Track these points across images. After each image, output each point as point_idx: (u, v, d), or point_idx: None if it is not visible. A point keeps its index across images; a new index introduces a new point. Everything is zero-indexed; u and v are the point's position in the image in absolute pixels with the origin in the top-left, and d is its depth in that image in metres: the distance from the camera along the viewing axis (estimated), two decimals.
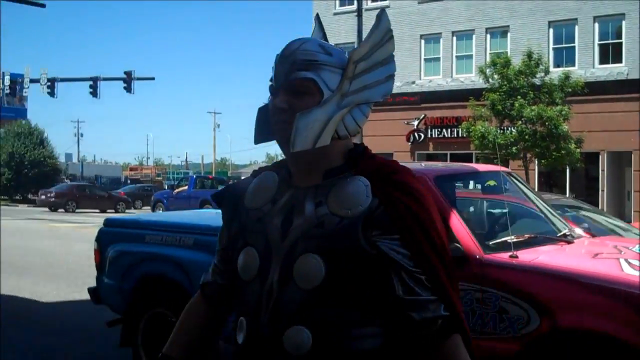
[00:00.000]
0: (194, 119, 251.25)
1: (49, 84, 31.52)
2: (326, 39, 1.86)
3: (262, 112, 1.83)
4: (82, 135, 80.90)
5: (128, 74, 31.54)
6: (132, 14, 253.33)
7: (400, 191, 1.67)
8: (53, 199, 36.46)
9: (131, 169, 76.37)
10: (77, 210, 35.89)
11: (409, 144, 28.11)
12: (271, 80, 1.79)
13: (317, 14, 2.06)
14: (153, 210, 32.14)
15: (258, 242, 1.74)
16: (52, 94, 31.68)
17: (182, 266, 5.13)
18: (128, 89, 31.55)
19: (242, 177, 2.82)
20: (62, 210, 36.08)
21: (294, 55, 1.74)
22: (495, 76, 21.25)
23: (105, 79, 32.34)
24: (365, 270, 1.63)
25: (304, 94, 1.71)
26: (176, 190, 33.56)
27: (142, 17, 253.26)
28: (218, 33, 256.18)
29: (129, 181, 59.16)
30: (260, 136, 1.83)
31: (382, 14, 1.78)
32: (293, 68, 1.73)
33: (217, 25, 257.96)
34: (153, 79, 36.93)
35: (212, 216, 5.79)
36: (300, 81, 1.72)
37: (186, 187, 32.88)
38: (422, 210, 1.65)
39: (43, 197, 37.03)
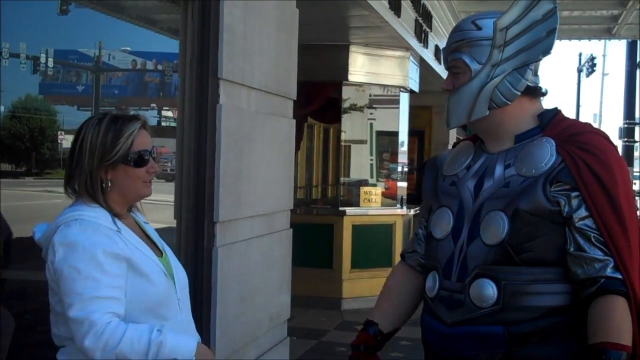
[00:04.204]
0: None
1: None
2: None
3: None
4: None
5: None
6: None
7: (582, 150, 1.73)
8: None
9: None
10: None
11: None
12: None
13: None
14: None
15: (452, 204, 1.89)
16: None
17: None
18: None
19: None
20: None
21: (450, 38, 1.90)
22: None
23: None
24: (544, 227, 1.72)
25: (458, 74, 1.87)
26: None
27: None
28: None
29: None
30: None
31: None
32: (449, 51, 1.90)
33: None
34: None
35: None
36: (452, 62, 1.88)
37: None
38: (603, 169, 1.70)
39: None
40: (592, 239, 1.69)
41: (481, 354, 1.76)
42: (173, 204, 3.34)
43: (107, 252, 1.75)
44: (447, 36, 1.99)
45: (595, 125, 1.96)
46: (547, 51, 1.81)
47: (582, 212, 1.71)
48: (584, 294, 1.70)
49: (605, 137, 1.83)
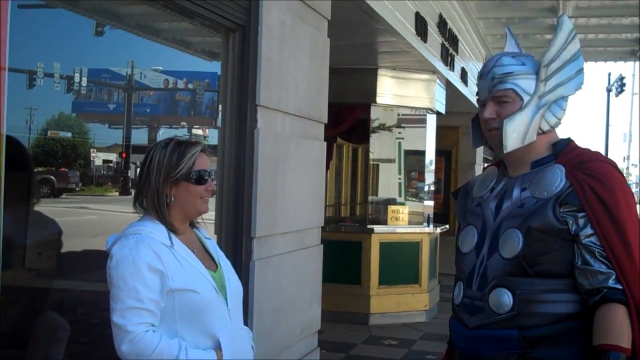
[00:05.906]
0: None
1: None
2: (519, 47, 2.19)
3: (475, 121, 2.20)
4: None
5: None
6: None
7: (589, 176, 1.93)
8: None
9: None
10: None
11: None
12: (477, 95, 2.15)
13: (508, 27, 2.21)
14: None
15: (477, 222, 2.10)
16: None
17: None
18: None
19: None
20: None
21: (493, 72, 2.07)
22: None
23: None
24: (554, 243, 1.91)
25: (506, 103, 2.04)
26: None
27: None
28: None
29: None
30: (476, 141, 2.23)
31: (562, 18, 2.07)
32: (494, 82, 2.06)
33: None
34: None
35: None
36: (502, 92, 2.05)
37: None
38: (607, 193, 1.91)
39: None
40: (597, 254, 1.89)
41: (498, 354, 1.97)
42: (214, 220, 3.60)
43: (151, 268, 1.96)
44: (483, 62, 2.31)
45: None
46: (579, 87, 2.07)
47: (588, 231, 1.90)
48: (589, 303, 1.90)
49: (613, 165, 2.04)
